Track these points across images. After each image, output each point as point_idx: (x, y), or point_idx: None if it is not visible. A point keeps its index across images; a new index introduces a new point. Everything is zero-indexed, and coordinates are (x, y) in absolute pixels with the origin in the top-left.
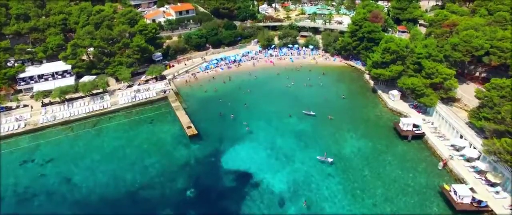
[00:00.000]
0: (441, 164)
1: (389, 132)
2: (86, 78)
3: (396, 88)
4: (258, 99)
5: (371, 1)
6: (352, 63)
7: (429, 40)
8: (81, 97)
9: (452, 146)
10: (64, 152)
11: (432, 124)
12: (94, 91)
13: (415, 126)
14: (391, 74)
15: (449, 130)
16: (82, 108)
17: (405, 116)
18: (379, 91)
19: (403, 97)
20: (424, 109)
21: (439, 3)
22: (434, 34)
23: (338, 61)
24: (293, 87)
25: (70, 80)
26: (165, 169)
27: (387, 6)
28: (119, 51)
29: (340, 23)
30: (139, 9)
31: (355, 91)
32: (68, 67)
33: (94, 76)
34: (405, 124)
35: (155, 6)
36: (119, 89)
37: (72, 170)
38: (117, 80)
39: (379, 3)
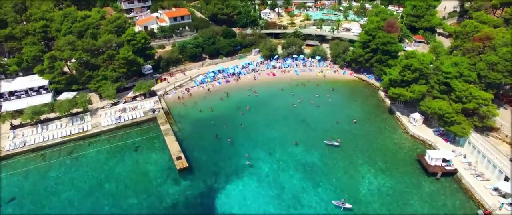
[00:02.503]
0: (481, 213)
1: (413, 166)
2: (64, 96)
3: (417, 111)
4: (259, 121)
5: (384, 8)
6: (364, 77)
7: (459, 58)
8: (58, 118)
9: (495, 189)
10: (31, 189)
11: (465, 157)
12: (74, 110)
13: (445, 160)
14: (413, 96)
15: (488, 167)
16: (58, 130)
17: (430, 145)
18: (398, 113)
19: (427, 121)
20: (453, 137)
21: (458, 9)
22: (462, 49)
23: (348, 74)
24: (299, 107)
25: (46, 98)
26: (148, 212)
27: (398, 11)
28: (104, 64)
29: (348, 30)
30: (131, 14)
31: (369, 112)
32: (45, 82)
33: (74, 93)
34: (433, 159)
35: (148, 11)
36: (102, 108)
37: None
38: (101, 97)
39: (390, 8)
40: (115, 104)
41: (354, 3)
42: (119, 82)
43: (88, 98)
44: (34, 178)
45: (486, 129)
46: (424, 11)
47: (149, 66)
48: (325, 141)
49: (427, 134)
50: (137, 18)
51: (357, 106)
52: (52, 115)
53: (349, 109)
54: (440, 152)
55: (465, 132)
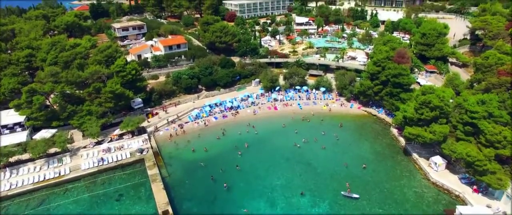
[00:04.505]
0: None
1: None
2: (42, 134)
3: (438, 152)
4: (259, 164)
5: (393, 36)
6: (373, 111)
7: (487, 95)
8: (32, 160)
9: None
10: None
11: (505, 214)
12: (52, 150)
13: None
14: (434, 137)
15: None
16: (29, 175)
17: (458, 196)
18: (414, 155)
19: (450, 165)
20: (485, 187)
21: (468, 36)
22: (486, 84)
23: (355, 108)
24: (304, 147)
25: (21, 136)
26: None
27: (404, 38)
28: (89, 98)
29: (354, 59)
30: (125, 42)
31: (381, 153)
32: (21, 118)
33: (54, 130)
34: None
35: (144, 38)
36: (84, 147)
37: None
38: (84, 134)
39: (395, 34)
40: (99, 143)
41: (357, 30)
42: (105, 118)
43: (68, 137)
44: None
45: None
46: (435, 39)
47: (139, 100)
48: (342, 192)
49: (452, 181)
50: (130, 46)
51: (368, 146)
52: (25, 156)
53: (358, 149)
54: (474, 209)
55: (501, 184)
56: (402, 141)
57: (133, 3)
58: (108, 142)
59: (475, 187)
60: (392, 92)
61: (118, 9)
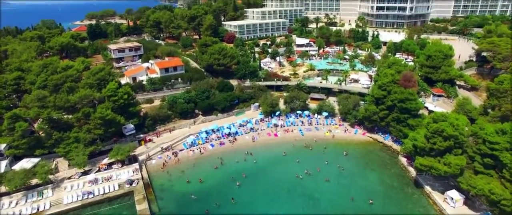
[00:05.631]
0: None
1: None
2: (22, 164)
3: (453, 185)
4: (258, 197)
5: (398, 58)
6: (379, 138)
7: (508, 124)
8: (8, 193)
9: None
10: None
11: None
12: (33, 182)
13: None
14: (449, 170)
15: None
16: (3, 212)
17: None
18: (427, 188)
19: (468, 201)
20: None
21: (474, 58)
22: (503, 111)
23: (360, 134)
24: (306, 179)
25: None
26: None
27: (407, 60)
28: (78, 124)
29: (356, 81)
30: (121, 64)
31: (390, 185)
32: (1, 146)
33: (37, 160)
34: None
35: (140, 60)
36: (69, 178)
37: None
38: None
39: (397, 56)
40: (85, 173)
41: (359, 51)
42: (94, 146)
43: (53, 166)
44: None
45: None
46: (441, 61)
47: (131, 126)
48: None
49: None
50: (126, 68)
51: (375, 177)
52: (2, 189)
53: (365, 180)
54: None
55: None
56: (412, 171)
57: (131, 24)
58: (96, 172)
59: None
60: (399, 118)
61: (117, 30)
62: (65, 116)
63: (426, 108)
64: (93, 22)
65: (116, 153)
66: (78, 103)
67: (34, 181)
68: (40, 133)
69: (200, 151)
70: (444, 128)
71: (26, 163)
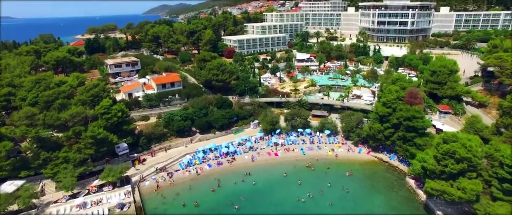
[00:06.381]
0: None
1: None
2: (5, 187)
3: (469, 213)
4: None
5: (402, 74)
6: (384, 157)
7: None
8: None
9: None
10: None
11: None
12: (14, 208)
13: None
14: (464, 196)
15: None
16: None
17: None
18: (439, 214)
19: None
20: None
21: (479, 73)
22: None
23: (364, 153)
24: (309, 203)
25: None
26: None
27: (410, 74)
28: (68, 143)
29: (359, 97)
30: (117, 79)
31: (398, 209)
32: None
33: (22, 182)
34: None
35: (137, 75)
36: (55, 202)
37: None
38: None
39: (400, 71)
40: (73, 196)
41: (360, 66)
42: (84, 167)
43: (39, 188)
44: None
45: None
46: (446, 77)
47: (125, 145)
48: None
49: None
50: (122, 83)
51: (382, 200)
52: None
53: (371, 204)
54: None
55: None
56: (421, 194)
57: (130, 38)
58: (84, 195)
59: None
60: (406, 137)
61: (115, 45)
62: (55, 135)
63: (434, 126)
64: (93, 36)
65: (107, 174)
66: (69, 121)
67: (15, 207)
68: (26, 153)
69: (197, 172)
70: (456, 149)
71: (9, 186)
